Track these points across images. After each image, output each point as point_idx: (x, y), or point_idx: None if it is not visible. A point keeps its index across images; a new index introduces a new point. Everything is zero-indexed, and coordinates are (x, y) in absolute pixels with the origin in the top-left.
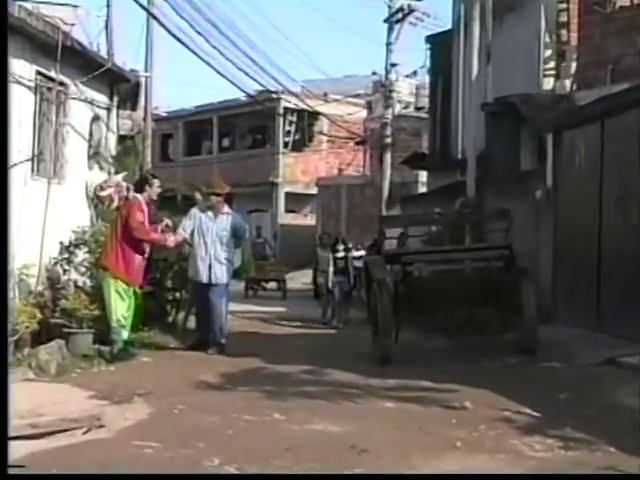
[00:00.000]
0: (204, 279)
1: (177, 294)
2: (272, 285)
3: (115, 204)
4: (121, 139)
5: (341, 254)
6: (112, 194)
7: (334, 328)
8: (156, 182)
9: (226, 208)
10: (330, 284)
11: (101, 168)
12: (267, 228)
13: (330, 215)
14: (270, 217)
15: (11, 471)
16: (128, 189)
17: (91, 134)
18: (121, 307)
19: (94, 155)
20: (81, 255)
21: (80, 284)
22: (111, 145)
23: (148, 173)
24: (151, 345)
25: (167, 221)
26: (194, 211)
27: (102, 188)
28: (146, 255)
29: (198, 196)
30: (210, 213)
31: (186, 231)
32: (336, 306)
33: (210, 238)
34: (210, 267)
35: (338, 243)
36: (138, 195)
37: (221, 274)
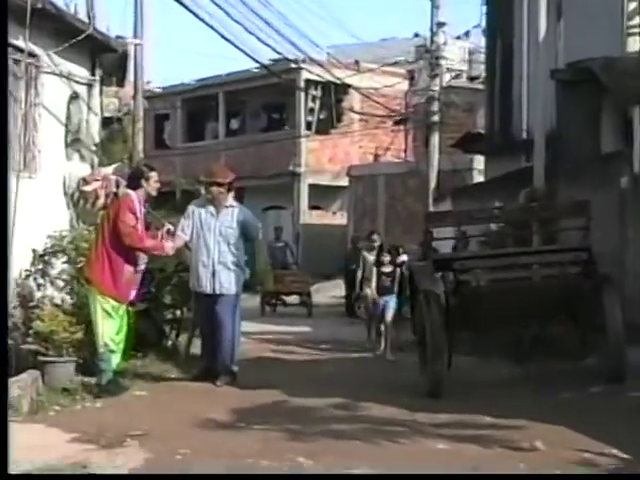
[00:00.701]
0: (207, 289)
1: (177, 312)
2: (294, 299)
3: (101, 202)
4: (106, 122)
5: (388, 268)
6: (98, 190)
7: (379, 357)
8: (154, 175)
9: (230, 200)
10: (371, 303)
11: (82, 158)
12: (287, 229)
13: (364, 212)
14: (291, 215)
15: (11, 471)
16: (117, 184)
17: (69, 117)
18: (109, 329)
19: (73, 142)
20: (59, 266)
21: (58, 301)
22: (94, 130)
23: (144, 165)
24: (146, 375)
25: (169, 226)
26: (192, 207)
27: (86, 182)
28: (140, 266)
29: (201, 191)
30: (211, 208)
31: (186, 232)
32: (378, 327)
33: (212, 238)
34: (214, 274)
35: (382, 251)
36: (130, 191)
37: (228, 282)
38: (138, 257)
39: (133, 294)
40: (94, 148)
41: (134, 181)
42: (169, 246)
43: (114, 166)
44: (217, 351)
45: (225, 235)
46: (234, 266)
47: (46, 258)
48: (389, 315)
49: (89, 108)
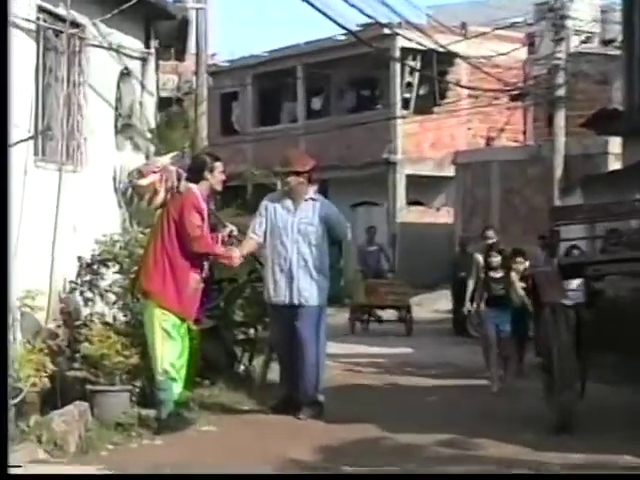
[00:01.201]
0: (285, 299)
1: (251, 331)
2: (390, 315)
3: (160, 199)
4: (163, 104)
5: (498, 273)
6: (156, 183)
7: (498, 385)
8: (219, 166)
9: (311, 192)
10: (476, 318)
11: (135, 147)
12: (381, 229)
13: (474, 208)
14: (385, 213)
15: (11, 471)
16: (179, 176)
17: (119, 98)
18: (170, 352)
19: (125, 128)
20: (110, 276)
21: (109, 319)
22: (149, 113)
23: (207, 153)
24: (215, 407)
25: (231, 227)
26: (265, 202)
27: (142, 174)
28: (204, 274)
29: (278, 185)
30: (288, 202)
31: (258, 233)
32: (491, 348)
33: (290, 237)
34: (292, 280)
35: (492, 252)
36: (193, 186)
37: (310, 291)
38: (203, 265)
39: (197, 310)
40: (149, 135)
41: (195, 173)
42: (236, 255)
43: (171, 155)
44: (298, 377)
45: (305, 233)
46: (316, 272)
47: (95, 267)
48: (505, 335)
49: (143, 87)
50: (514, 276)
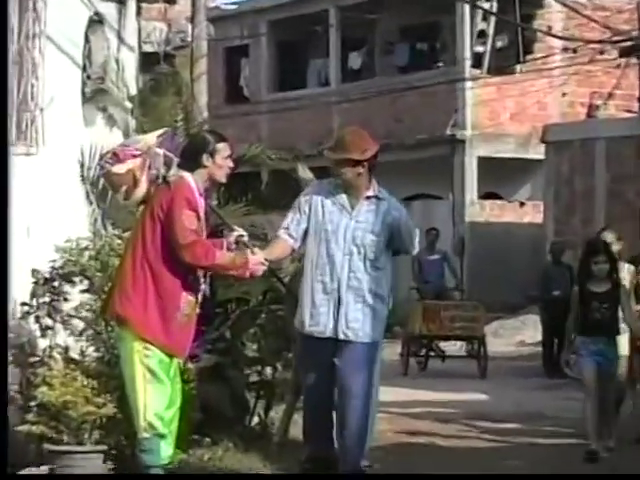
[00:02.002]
0: (325, 329)
1: (268, 371)
2: (456, 348)
3: (141, 192)
4: (148, 62)
5: (602, 287)
6: (136, 171)
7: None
8: (223, 149)
9: (373, 188)
10: (568, 354)
11: (110, 121)
12: (445, 232)
13: (573, 202)
14: (450, 209)
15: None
16: (168, 162)
17: (88, 54)
18: (156, 399)
19: (95, 95)
20: (76, 296)
21: (75, 354)
22: (128, 75)
23: (207, 131)
24: (219, 472)
25: (240, 231)
26: (309, 194)
27: (117, 159)
28: (202, 293)
29: (304, 172)
30: (342, 197)
31: (293, 234)
32: (594, 399)
33: (341, 246)
34: (339, 306)
35: (597, 252)
36: (186, 174)
37: (362, 322)
38: (200, 280)
39: (191, 342)
40: (129, 105)
41: (190, 158)
42: (256, 261)
43: (159, 133)
44: (338, 437)
45: (362, 243)
46: (372, 297)
47: (55, 284)
48: (610, 376)
49: (120, 39)
50: (626, 290)
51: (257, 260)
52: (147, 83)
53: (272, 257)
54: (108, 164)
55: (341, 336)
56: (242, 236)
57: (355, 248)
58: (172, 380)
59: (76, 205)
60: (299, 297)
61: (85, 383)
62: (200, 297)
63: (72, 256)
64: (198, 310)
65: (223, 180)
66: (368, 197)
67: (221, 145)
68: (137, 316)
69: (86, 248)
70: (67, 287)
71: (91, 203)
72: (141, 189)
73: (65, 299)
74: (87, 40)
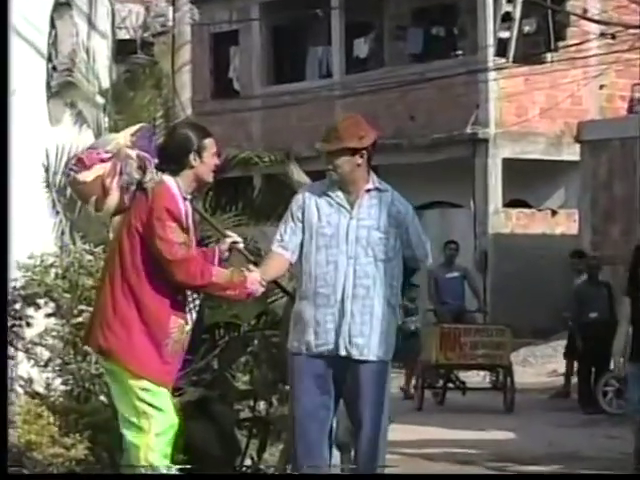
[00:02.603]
0: (327, 345)
1: (261, 405)
2: (479, 378)
3: (113, 202)
4: (123, 50)
5: None
6: (105, 178)
7: None
8: (210, 145)
9: (372, 180)
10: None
11: (79, 118)
12: (465, 245)
13: (612, 210)
14: (471, 219)
15: (11, 471)
16: (143, 165)
17: (54, 42)
18: (162, 435)
19: (62, 89)
20: (40, 321)
21: (40, 387)
22: (100, 65)
23: (190, 126)
24: None
25: (234, 237)
26: (301, 198)
27: (83, 165)
28: (192, 313)
29: (299, 175)
30: (339, 195)
31: (288, 246)
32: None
33: (344, 250)
34: (343, 316)
35: None
36: (167, 178)
37: (369, 337)
38: (189, 299)
39: (177, 370)
40: (101, 99)
41: (173, 159)
42: (254, 280)
43: (133, 130)
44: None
45: (369, 244)
46: (383, 306)
47: (17, 307)
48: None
49: (91, 25)
50: None
51: (255, 279)
52: (122, 75)
53: (268, 276)
54: (73, 171)
55: (342, 352)
56: (237, 242)
57: (362, 250)
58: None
59: (40, 216)
60: (296, 316)
61: (51, 420)
62: (191, 319)
63: (36, 275)
64: (189, 334)
65: (210, 180)
66: (368, 190)
67: (208, 141)
68: (122, 348)
69: (52, 265)
70: (30, 310)
71: (57, 213)
72: (112, 198)
73: (28, 324)
74: (53, 26)
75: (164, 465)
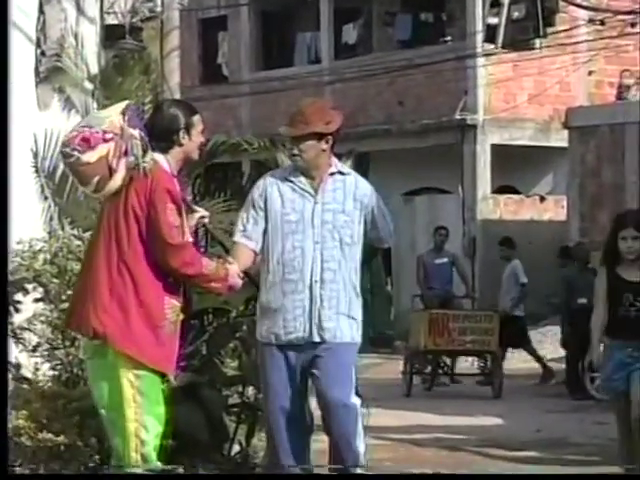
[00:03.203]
0: (297, 333)
1: (250, 391)
2: (467, 364)
3: (117, 183)
4: (111, 35)
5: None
6: (110, 157)
7: None
8: (198, 122)
9: (337, 164)
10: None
11: (67, 104)
12: (453, 231)
13: (601, 196)
14: (459, 205)
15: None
16: (144, 145)
17: (42, 27)
18: (152, 426)
19: (51, 74)
20: (29, 306)
21: (28, 373)
22: (89, 51)
23: (177, 104)
24: None
25: (202, 212)
26: (263, 184)
27: (87, 145)
28: (180, 300)
29: (285, 161)
30: (302, 180)
31: (251, 236)
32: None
33: (309, 235)
34: (312, 302)
35: (626, 225)
36: (160, 158)
37: (338, 321)
38: (179, 286)
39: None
40: (89, 85)
41: (162, 137)
42: (234, 273)
43: (121, 108)
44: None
45: (335, 227)
46: (350, 289)
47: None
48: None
49: (79, 10)
50: None
51: (235, 271)
52: (110, 60)
53: (242, 268)
54: (77, 151)
55: (316, 338)
56: (204, 217)
57: (328, 234)
58: (167, 403)
59: (28, 201)
60: (263, 305)
61: (39, 406)
62: (182, 302)
63: (24, 260)
64: (181, 317)
65: (197, 157)
66: (332, 174)
67: (196, 118)
68: (118, 330)
69: (40, 250)
70: (19, 295)
71: (46, 198)
72: (117, 179)
73: (16, 309)
74: (41, 11)
75: (156, 458)
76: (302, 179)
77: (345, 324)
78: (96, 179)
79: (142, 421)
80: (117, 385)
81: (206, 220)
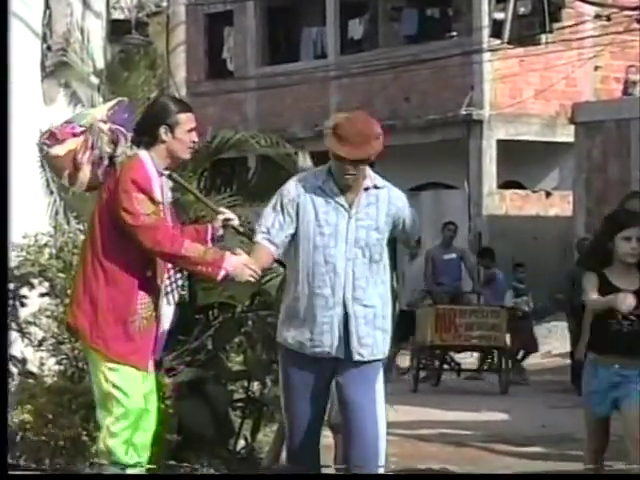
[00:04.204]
0: (332, 350)
1: (256, 386)
2: (473, 360)
3: (85, 178)
4: (117, 31)
5: (633, 281)
6: (77, 153)
7: None
8: (186, 120)
9: (371, 178)
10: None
11: (74, 98)
12: (459, 225)
13: (606, 192)
14: (465, 201)
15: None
16: (115, 139)
17: (49, 22)
18: (121, 421)
19: (57, 69)
20: (34, 301)
21: (34, 367)
22: (95, 45)
23: (168, 98)
24: None
25: (228, 214)
26: (293, 188)
27: (55, 139)
28: (174, 294)
29: (304, 161)
30: (335, 191)
31: (275, 241)
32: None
33: (344, 252)
34: (347, 321)
35: (623, 226)
36: (141, 153)
37: (374, 338)
38: (158, 277)
39: (158, 350)
40: (95, 80)
41: (147, 131)
42: (238, 263)
43: (111, 104)
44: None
45: (367, 245)
46: (380, 306)
47: (11, 287)
48: (631, 409)
49: (85, 5)
50: None
51: (239, 261)
52: (116, 55)
53: (260, 266)
54: (45, 146)
55: (356, 357)
56: (229, 219)
57: (359, 251)
58: (146, 399)
59: (34, 195)
60: (290, 311)
61: (45, 401)
62: (173, 299)
63: (30, 254)
64: (158, 313)
65: (186, 156)
66: (366, 189)
67: (184, 116)
68: (88, 324)
69: (46, 245)
70: (24, 290)
71: (51, 193)
72: (84, 173)
73: (22, 304)
74: (47, 6)
75: (123, 452)
76: (336, 190)
77: (380, 341)
78: (66, 172)
79: (115, 413)
80: (97, 380)
81: (235, 222)
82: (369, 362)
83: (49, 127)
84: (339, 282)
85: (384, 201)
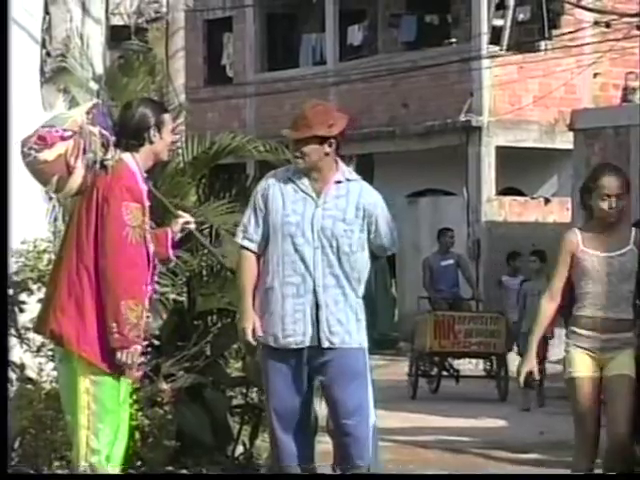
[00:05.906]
0: (303, 338)
1: (255, 392)
2: (471, 366)
3: (76, 182)
4: (117, 36)
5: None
6: (68, 155)
7: None
8: (168, 121)
9: (342, 171)
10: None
11: (73, 103)
12: (457, 232)
13: None
14: (464, 207)
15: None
16: (105, 142)
17: (48, 27)
18: (103, 435)
19: (56, 75)
20: (33, 306)
21: (32, 373)
22: (94, 51)
23: (146, 102)
24: None
25: (186, 217)
26: (265, 186)
27: (44, 143)
28: (141, 302)
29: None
30: (305, 183)
31: (253, 238)
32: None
33: (310, 240)
34: (317, 309)
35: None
36: (126, 156)
37: (346, 326)
38: (146, 282)
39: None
40: (94, 85)
41: (134, 134)
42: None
43: (87, 107)
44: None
45: (333, 235)
46: (354, 296)
47: (9, 292)
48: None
49: (85, 11)
50: None
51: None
52: (115, 61)
53: (250, 287)
54: (34, 150)
55: (325, 344)
56: (188, 223)
57: (326, 240)
58: (122, 407)
59: (33, 201)
60: (262, 306)
61: (43, 406)
62: (147, 303)
63: (29, 260)
64: (145, 320)
65: (166, 158)
66: (337, 182)
67: (166, 116)
68: (74, 330)
69: (45, 251)
70: (23, 296)
71: (51, 199)
72: (76, 177)
73: (21, 310)
74: (47, 11)
75: (106, 467)
76: (305, 181)
77: (354, 328)
78: (55, 178)
79: (94, 429)
80: (74, 390)
81: (192, 226)
82: (345, 353)
83: (35, 130)
84: (309, 269)
85: (354, 193)
